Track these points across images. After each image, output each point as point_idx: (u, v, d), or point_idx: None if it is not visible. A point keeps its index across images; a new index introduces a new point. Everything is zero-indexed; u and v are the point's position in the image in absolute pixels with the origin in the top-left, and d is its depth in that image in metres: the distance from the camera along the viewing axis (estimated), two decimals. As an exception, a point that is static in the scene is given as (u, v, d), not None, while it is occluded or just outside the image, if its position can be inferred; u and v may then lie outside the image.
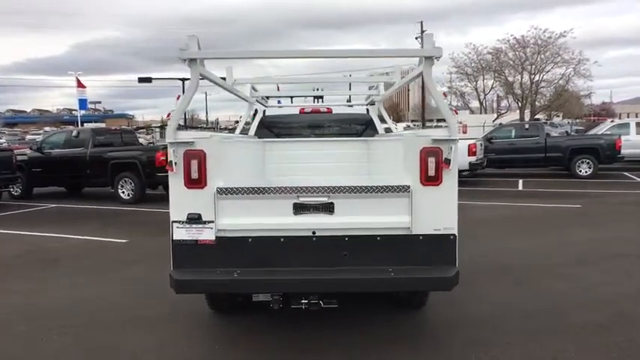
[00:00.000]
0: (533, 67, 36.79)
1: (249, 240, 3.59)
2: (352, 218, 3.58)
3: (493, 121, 36.03)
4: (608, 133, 17.29)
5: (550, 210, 10.29)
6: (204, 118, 68.52)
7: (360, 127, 6.06)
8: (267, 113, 6.29)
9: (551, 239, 7.53)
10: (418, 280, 3.49)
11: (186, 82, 3.70)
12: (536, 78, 37.65)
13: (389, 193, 3.56)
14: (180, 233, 3.60)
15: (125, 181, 12.13)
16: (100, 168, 12.33)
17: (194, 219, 3.59)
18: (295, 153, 3.72)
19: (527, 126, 17.75)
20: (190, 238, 3.60)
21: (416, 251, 3.57)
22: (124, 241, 7.95)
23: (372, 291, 3.70)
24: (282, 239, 3.59)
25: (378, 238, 3.58)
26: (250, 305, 4.16)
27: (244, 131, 6.28)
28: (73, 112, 54.36)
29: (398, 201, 3.58)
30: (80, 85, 29.97)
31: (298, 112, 6.37)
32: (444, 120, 3.51)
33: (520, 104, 39.06)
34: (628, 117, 41.03)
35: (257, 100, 6.37)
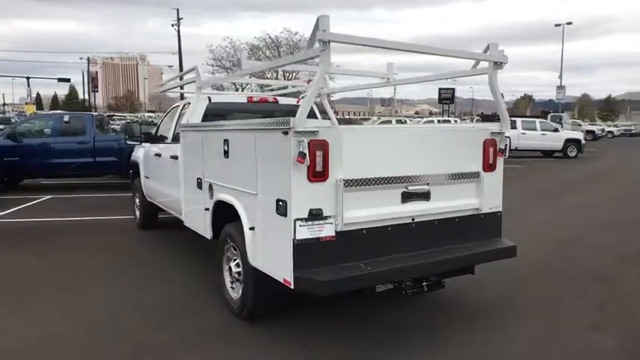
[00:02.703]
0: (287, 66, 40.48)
1: (364, 232, 3.54)
2: (442, 203, 3.92)
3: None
4: None
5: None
6: None
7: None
8: (212, 100, 5.75)
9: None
10: (498, 251, 4.09)
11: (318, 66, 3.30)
12: (291, 77, 41.40)
13: (466, 179, 4.05)
14: (302, 232, 3.29)
15: None
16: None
17: (317, 215, 3.33)
18: (393, 142, 3.78)
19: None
20: (312, 236, 3.32)
21: (480, 228, 4.16)
22: None
23: (470, 265, 4.09)
24: (389, 228, 3.66)
25: (457, 220, 4.03)
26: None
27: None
28: None
29: (470, 185, 4.10)
30: None
31: (246, 101, 6.05)
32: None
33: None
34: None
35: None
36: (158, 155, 6.51)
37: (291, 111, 6.16)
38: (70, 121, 12.18)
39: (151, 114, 70.86)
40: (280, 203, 3.36)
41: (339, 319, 4.30)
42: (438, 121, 25.09)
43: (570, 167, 19.22)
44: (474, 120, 42.38)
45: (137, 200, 7.97)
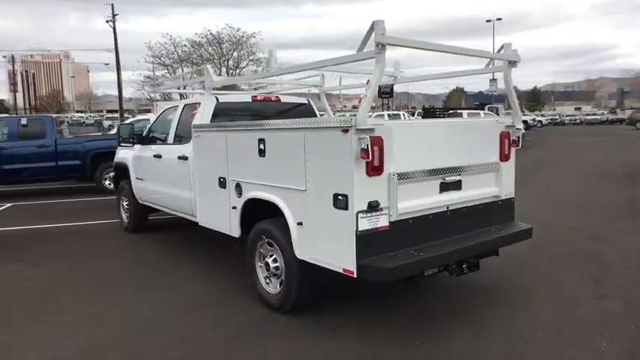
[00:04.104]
0: (230, 62, 39.96)
1: (410, 221, 3.80)
2: (470, 192, 4.26)
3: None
4: None
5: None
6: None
7: (304, 114, 6.37)
8: (220, 100, 5.78)
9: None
10: (519, 233, 4.47)
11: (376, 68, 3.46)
12: (234, 73, 40.84)
13: (488, 169, 4.41)
14: (363, 223, 3.49)
15: None
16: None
17: (374, 207, 3.54)
18: (431, 136, 4.05)
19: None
20: (371, 227, 3.54)
21: (499, 213, 4.55)
22: None
23: (498, 247, 4.43)
24: (430, 216, 3.95)
25: (481, 206, 4.39)
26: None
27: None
28: None
29: (491, 175, 4.47)
30: None
31: (251, 100, 6.11)
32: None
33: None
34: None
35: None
36: (158, 156, 6.42)
37: (295, 108, 6.36)
38: (28, 124, 11.53)
39: (81, 114, 67.31)
40: (340, 197, 3.54)
41: (368, 308, 4.54)
42: (389, 116, 25.75)
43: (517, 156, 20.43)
44: (415, 114, 43.88)
45: (124, 203, 7.79)
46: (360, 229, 3.48)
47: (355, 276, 3.52)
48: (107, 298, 4.95)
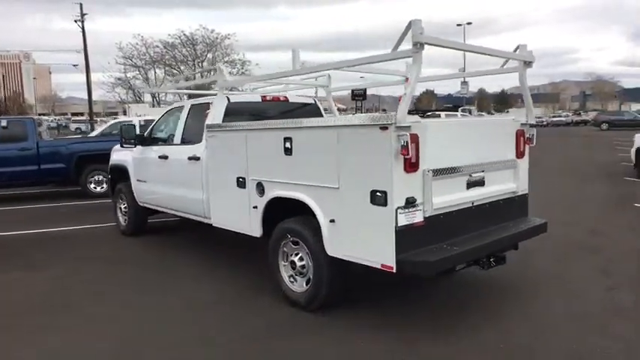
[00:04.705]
0: (205, 64, 39.45)
1: (441, 216, 3.89)
2: (492, 188, 4.39)
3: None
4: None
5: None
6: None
7: (311, 113, 6.43)
8: (231, 100, 5.76)
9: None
10: (537, 227, 4.62)
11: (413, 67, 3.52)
12: (211, 74, 40.35)
13: (506, 166, 4.55)
14: (402, 219, 3.56)
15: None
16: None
17: (411, 203, 3.62)
18: (458, 134, 4.15)
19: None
20: (409, 222, 3.61)
21: (515, 208, 4.70)
22: None
23: (519, 241, 4.57)
24: (458, 212, 4.05)
25: (501, 202, 4.53)
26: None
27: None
28: None
29: (509, 171, 4.61)
30: None
31: (260, 100, 6.10)
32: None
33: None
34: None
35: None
36: (164, 157, 6.33)
37: (302, 108, 6.40)
38: (7, 126, 11.14)
39: (45, 117, 65.18)
40: (378, 194, 3.60)
41: (387, 304, 4.62)
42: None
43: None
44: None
45: (122, 206, 7.63)
46: (399, 225, 3.55)
47: (394, 271, 3.58)
48: (120, 301, 4.86)
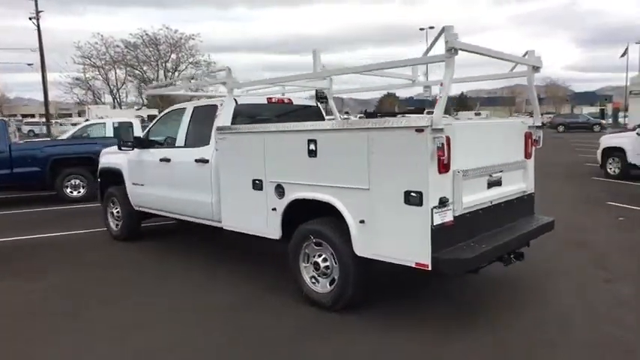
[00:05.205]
0: (169, 64, 38.82)
1: (467, 215, 4.04)
2: (507, 187, 4.59)
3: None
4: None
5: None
6: None
7: (313, 116, 6.50)
8: (239, 102, 5.73)
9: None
10: (546, 225, 4.84)
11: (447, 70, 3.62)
12: (175, 76, 39.69)
13: (518, 166, 4.76)
14: (436, 218, 3.68)
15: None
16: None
17: (444, 202, 3.74)
18: (481, 136, 4.30)
19: None
20: (442, 222, 3.73)
21: (524, 207, 4.92)
22: None
23: (532, 238, 4.76)
24: (480, 211, 4.21)
25: (514, 201, 4.73)
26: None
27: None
28: None
29: (520, 171, 4.82)
30: None
31: (266, 102, 6.10)
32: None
33: (160, 101, 40.18)
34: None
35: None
36: (165, 160, 6.22)
37: (305, 110, 6.45)
38: None
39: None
40: (413, 194, 3.69)
41: (410, 302, 4.74)
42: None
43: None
44: (357, 116, 44.88)
45: (114, 210, 7.43)
46: (435, 224, 3.66)
47: (430, 269, 3.68)
48: (131, 306, 4.76)
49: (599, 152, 13.25)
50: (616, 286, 5.02)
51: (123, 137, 6.52)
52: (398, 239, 3.85)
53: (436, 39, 3.63)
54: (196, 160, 5.70)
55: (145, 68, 39.15)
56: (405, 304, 4.63)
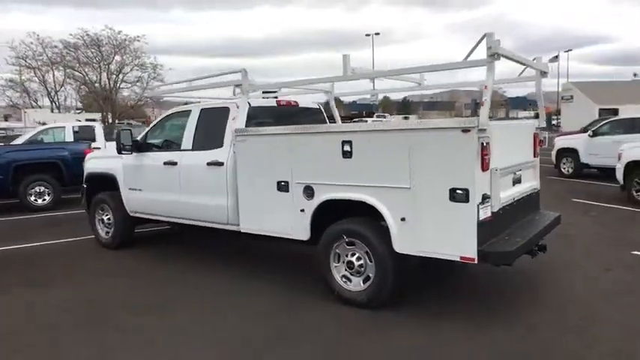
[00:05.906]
0: (112, 66, 37.13)
1: (500, 211, 4.27)
2: (525, 185, 4.91)
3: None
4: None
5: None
6: None
7: (317, 118, 6.61)
8: (251, 105, 5.71)
9: None
10: (555, 219, 5.17)
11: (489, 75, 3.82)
12: (119, 78, 38.13)
13: (531, 165, 5.09)
14: (481, 214, 3.88)
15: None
16: None
17: (485, 199, 3.95)
18: (508, 136, 4.57)
19: None
20: (485, 217, 3.94)
21: (534, 202, 5.26)
22: None
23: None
24: (507, 207, 4.47)
25: (527, 197, 5.04)
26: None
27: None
28: None
29: (531, 170, 5.16)
30: None
31: (276, 104, 6.11)
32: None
33: (103, 104, 38.40)
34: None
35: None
36: (171, 164, 6.06)
37: (309, 111, 6.55)
38: None
39: None
40: (459, 192, 3.87)
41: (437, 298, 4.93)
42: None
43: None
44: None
45: (104, 217, 7.12)
46: (480, 219, 3.86)
47: (476, 261, 3.88)
48: (149, 315, 4.64)
49: (553, 153, 14.19)
50: (616, 274, 5.46)
51: (123, 141, 6.28)
52: (442, 235, 4.02)
53: (477, 44, 3.84)
54: (208, 164, 5.61)
55: (86, 70, 37.30)
56: (429, 298, 4.81)
